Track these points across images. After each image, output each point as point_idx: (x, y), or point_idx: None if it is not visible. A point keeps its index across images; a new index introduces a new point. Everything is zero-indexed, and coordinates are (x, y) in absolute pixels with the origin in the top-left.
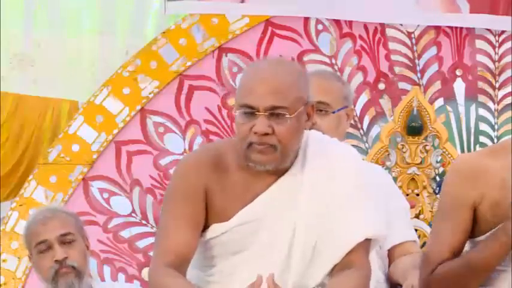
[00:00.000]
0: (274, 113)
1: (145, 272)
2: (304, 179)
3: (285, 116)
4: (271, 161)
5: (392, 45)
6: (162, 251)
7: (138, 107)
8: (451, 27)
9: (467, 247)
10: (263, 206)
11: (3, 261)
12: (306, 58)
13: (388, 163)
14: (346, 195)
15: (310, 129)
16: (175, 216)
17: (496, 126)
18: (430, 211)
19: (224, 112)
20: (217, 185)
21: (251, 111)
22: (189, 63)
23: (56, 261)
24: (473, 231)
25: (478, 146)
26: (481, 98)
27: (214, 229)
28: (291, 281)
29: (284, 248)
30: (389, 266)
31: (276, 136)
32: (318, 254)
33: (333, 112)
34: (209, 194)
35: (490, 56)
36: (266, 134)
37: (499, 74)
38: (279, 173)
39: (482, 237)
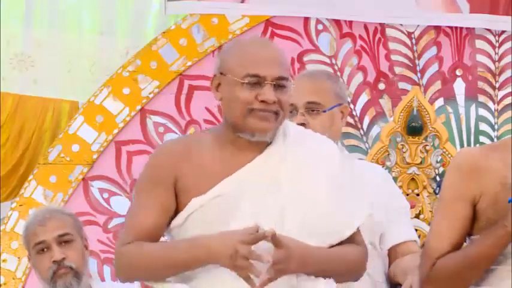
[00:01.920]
0: (278, 83)
1: None
2: (286, 156)
3: (286, 87)
4: (271, 128)
5: (392, 45)
6: (128, 230)
7: (138, 107)
8: (451, 27)
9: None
10: (241, 179)
11: (3, 261)
12: (306, 58)
13: (388, 163)
14: (330, 181)
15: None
16: (144, 200)
17: (496, 126)
18: (430, 211)
19: None
20: (193, 166)
21: (256, 81)
22: (189, 63)
23: (54, 261)
24: (472, 229)
25: (478, 146)
26: (481, 98)
27: (193, 203)
28: None
29: (269, 223)
30: (389, 266)
31: (280, 105)
32: (308, 235)
33: (324, 111)
34: (182, 179)
35: (490, 56)
36: (274, 103)
37: (499, 74)
38: (257, 151)
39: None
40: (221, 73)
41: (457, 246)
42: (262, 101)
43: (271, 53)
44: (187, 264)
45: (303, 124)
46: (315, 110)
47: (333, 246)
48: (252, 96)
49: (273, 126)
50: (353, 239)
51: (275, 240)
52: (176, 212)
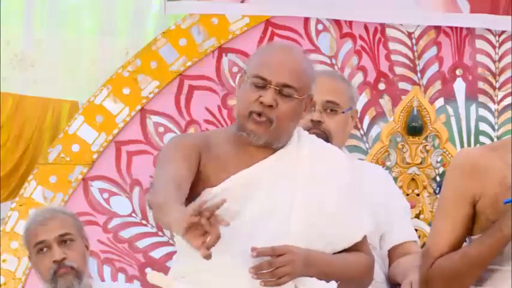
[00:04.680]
0: (283, 90)
1: (150, 276)
2: (298, 159)
3: (292, 96)
4: (265, 133)
5: (392, 45)
6: (161, 181)
7: (138, 107)
8: (451, 27)
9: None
10: (254, 175)
11: (3, 261)
12: None
13: (388, 163)
14: (340, 187)
15: (317, 127)
16: (172, 160)
17: (496, 126)
18: (430, 211)
19: (224, 112)
20: (210, 156)
21: (262, 84)
22: (189, 63)
23: (54, 261)
24: (472, 229)
25: (478, 146)
26: (481, 98)
27: (206, 193)
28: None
29: (277, 221)
30: (389, 266)
31: (277, 111)
32: (316, 236)
33: (343, 112)
34: (202, 160)
35: (490, 56)
36: (270, 106)
37: (499, 74)
38: (271, 152)
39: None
40: (245, 72)
41: (457, 246)
42: (261, 103)
43: (286, 60)
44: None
45: (319, 122)
46: (333, 110)
47: (340, 252)
48: (254, 98)
49: (266, 131)
50: (360, 248)
51: (275, 251)
52: (189, 198)
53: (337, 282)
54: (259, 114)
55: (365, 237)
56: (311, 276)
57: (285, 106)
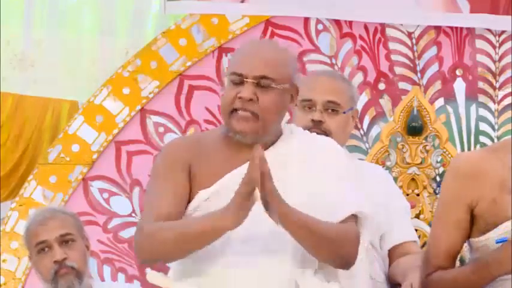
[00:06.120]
0: (261, 82)
1: (150, 276)
2: (291, 155)
3: (270, 86)
4: (252, 130)
5: (392, 45)
6: (148, 217)
7: (138, 107)
8: (451, 27)
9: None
10: (245, 171)
11: (3, 261)
12: (306, 58)
13: (388, 163)
14: (334, 175)
15: (318, 127)
16: (161, 188)
17: (496, 126)
18: (430, 211)
19: None
20: (201, 159)
21: (239, 80)
22: (189, 63)
23: (55, 261)
24: (470, 232)
25: (478, 146)
26: (481, 98)
27: (200, 195)
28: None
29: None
30: (389, 266)
31: (259, 104)
32: None
33: (344, 112)
34: (193, 168)
35: (490, 56)
36: (250, 100)
37: (499, 74)
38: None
39: (481, 238)
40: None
41: (454, 251)
42: (240, 98)
43: (259, 52)
44: (201, 232)
45: (320, 121)
46: (334, 110)
47: None
48: (234, 95)
49: (253, 127)
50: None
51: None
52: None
53: (312, 241)
54: (237, 110)
55: (353, 216)
56: (290, 229)
57: (266, 97)
